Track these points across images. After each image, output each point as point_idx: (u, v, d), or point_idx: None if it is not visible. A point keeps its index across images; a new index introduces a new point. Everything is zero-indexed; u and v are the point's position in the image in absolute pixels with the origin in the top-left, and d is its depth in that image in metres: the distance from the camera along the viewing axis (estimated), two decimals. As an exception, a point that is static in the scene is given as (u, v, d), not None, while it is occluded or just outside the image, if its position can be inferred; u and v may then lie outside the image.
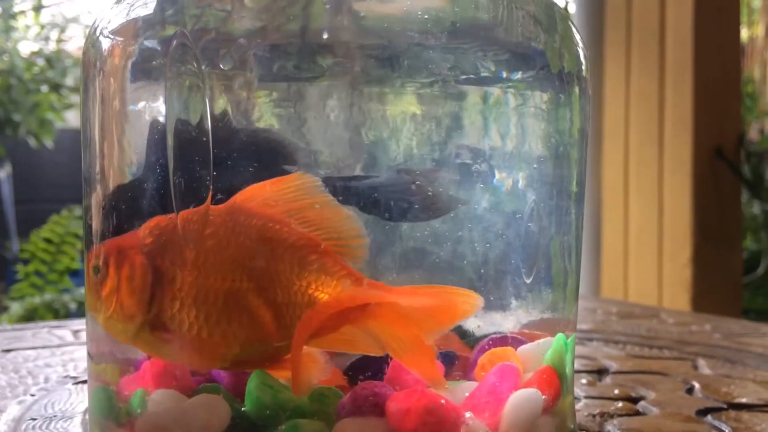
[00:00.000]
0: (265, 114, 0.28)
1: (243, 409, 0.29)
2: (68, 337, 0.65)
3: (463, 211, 0.28)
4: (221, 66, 0.26)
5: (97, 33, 0.31)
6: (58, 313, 2.00)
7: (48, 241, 2.13)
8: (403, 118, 0.27)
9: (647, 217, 1.62)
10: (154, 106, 0.28)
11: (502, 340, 0.33)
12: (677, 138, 1.57)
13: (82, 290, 1.97)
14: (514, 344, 0.32)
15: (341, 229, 0.29)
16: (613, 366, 0.55)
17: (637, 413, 0.43)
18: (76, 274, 2.19)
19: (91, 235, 0.32)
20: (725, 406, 0.45)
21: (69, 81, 2.98)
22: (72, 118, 3.06)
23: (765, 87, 2.82)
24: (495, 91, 0.27)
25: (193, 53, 0.26)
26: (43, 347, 0.61)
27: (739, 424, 0.41)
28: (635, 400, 0.46)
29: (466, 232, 0.28)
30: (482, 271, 0.28)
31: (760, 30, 2.92)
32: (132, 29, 0.29)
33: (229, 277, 0.29)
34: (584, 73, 0.31)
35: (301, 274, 0.29)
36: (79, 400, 0.45)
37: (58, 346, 0.61)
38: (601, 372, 0.53)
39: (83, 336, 0.66)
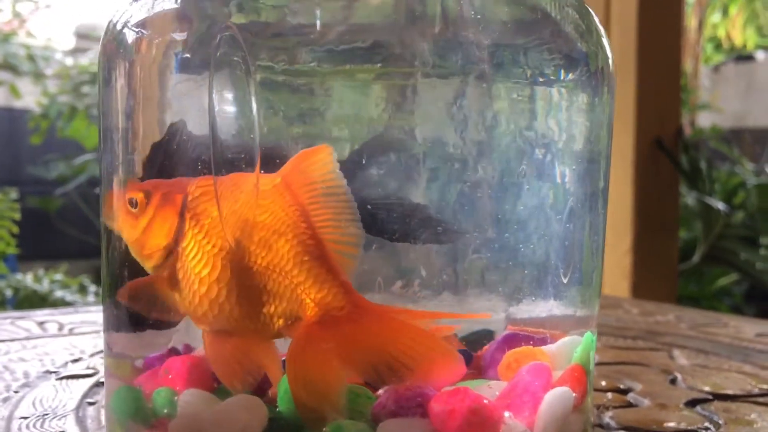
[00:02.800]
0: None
1: (278, 409, 0.29)
2: (34, 329, 0.63)
3: (519, 213, 0.28)
4: (268, 61, 0.26)
5: (120, 26, 0.30)
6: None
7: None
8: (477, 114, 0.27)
9: (591, 206, 1.65)
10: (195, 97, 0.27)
11: (515, 339, 0.33)
12: (620, 128, 1.61)
13: (18, 276, 1.90)
14: (529, 342, 0.33)
15: (342, 230, 0.29)
16: (595, 357, 0.56)
17: (630, 405, 0.45)
18: (7, 259, 2.11)
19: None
20: (711, 397, 0.46)
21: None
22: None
23: (696, 80, 2.91)
24: (552, 91, 0.27)
25: (240, 46, 0.25)
26: (11, 340, 0.59)
27: (729, 414, 0.43)
28: (624, 392, 0.47)
29: (528, 232, 0.28)
30: (526, 272, 0.28)
31: (692, 24, 3.01)
32: (166, 22, 0.28)
33: (229, 251, 0.29)
34: (611, 70, 0.31)
35: (291, 272, 0.29)
36: (68, 396, 0.44)
37: (27, 338, 0.59)
38: (583, 363, 0.54)
39: (51, 328, 0.64)
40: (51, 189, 3.19)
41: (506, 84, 0.26)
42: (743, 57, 3.62)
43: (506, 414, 0.28)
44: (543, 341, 0.33)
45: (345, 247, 0.28)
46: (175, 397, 0.30)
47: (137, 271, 0.31)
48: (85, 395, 0.44)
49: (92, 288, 1.93)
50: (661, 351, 0.58)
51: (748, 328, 0.69)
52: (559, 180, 0.28)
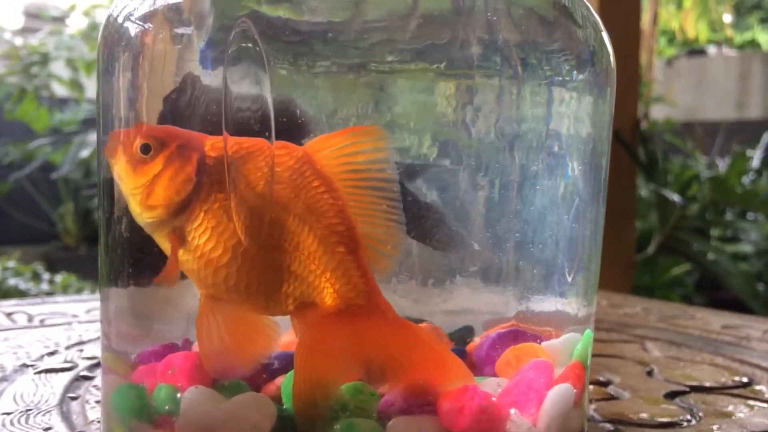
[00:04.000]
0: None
1: (284, 407, 0.28)
2: (2, 320, 0.62)
3: (535, 208, 0.28)
4: (284, 54, 0.25)
5: (121, 19, 0.30)
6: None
7: None
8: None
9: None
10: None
11: (509, 335, 0.33)
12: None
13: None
14: (522, 339, 0.33)
15: (382, 228, 0.28)
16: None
17: (612, 397, 0.45)
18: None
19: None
20: (688, 389, 0.47)
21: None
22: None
23: (651, 73, 2.96)
24: (565, 91, 0.28)
25: (255, 40, 0.25)
26: (-19, 331, 0.57)
27: (708, 406, 0.44)
28: (604, 384, 0.48)
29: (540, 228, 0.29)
30: (535, 270, 0.29)
31: (647, 18, 3.06)
32: (171, 14, 0.28)
33: (257, 224, 0.28)
34: (613, 66, 0.31)
35: (322, 259, 0.28)
36: (49, 391, 0.43)
37: (-3, 330, 0.58)
38: (560, 355, 0.55)
39: (20, 319, 0.62)
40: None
41: (531, 84, 0.27)
42: (695, 51, 3.70)
43: (512, 411, 0.29)
44: (537, 338, 0.33)
45: (382, 246, 0.28)
46: (178, 394, 0.29)
47: (139, 259, 0.30)
48: (67, 390, 0.43)
49: (46, 276, 1.89)
50: (634, 343, 0.59)
51: (713, 319, 0.70)
52: (571, 178, 0.29)
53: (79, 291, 1.85)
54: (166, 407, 0.29)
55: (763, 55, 3.53)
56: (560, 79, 0.27)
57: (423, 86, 0.27)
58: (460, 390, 0.28)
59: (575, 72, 0.28)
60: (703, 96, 3.37)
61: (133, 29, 0.29)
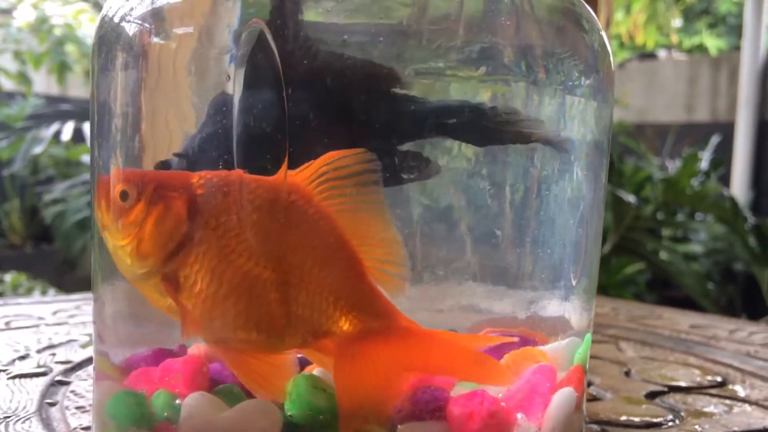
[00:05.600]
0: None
1: (289, 414, 0.28)
2: (-34, 322, 0.60)
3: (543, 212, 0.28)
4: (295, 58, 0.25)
5: (117, 19, 0.29)
6: None
7: None
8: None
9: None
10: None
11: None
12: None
13: None
14: (515, 344, 0.33)
15: (386, 249, 0.28)
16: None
17: (595, 398, 0.46)
18: None
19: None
20: (666, 389, 0.48)
21: None
22: None
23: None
24: (575, 96, 0.28)
25: (267, 43, 0.25)
26: (-55, 335, 0.55)
27: (688, 406, 0.45)
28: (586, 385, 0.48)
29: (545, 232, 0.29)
30: (543, 275, 0.29)
31: (602, 20, 3.11)
32: (176, 14, 0.27)
33: (255, 259, 0.27)
34: (613, 68, 0.32)
35: (332, 287, 0.27)
36: (26, 397, 0.41)
37: (-39, 333, 0.56)
38: (538, 356, 0.55)
39: (-16, 321, 0.60)
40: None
41: (547, 89, 0.27)
42: (646, 55, 3.77)
43: (519, 416, 0.29)
44: (532, 343, 0.33)
45: (388, 266, 0.27)
46: (177, 401, 0.28)
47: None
48: (44, 395, 0.42)
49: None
50: (608, 343, 0.60)
51: (680, 319, 0.72)
52: (577, 183, 0.29)
53: (29, 291, 1.80)
54: (163, 413, 0.28)
55: (710, 60, 3.62)
56: (571, 84, 0.28)
57: (455, 89, 0.27)
58: (469, 395, 0.28)
59: (583, 78, 0.28)
60: (653, 99, 3.44)
61: (131, 29, 0.28)
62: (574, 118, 0.28)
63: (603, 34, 0.31)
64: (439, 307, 0.29)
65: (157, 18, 0.28)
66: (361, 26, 0.25)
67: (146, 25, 0.28)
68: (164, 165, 0.28)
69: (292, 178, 0.26)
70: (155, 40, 0.28)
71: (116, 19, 0.29)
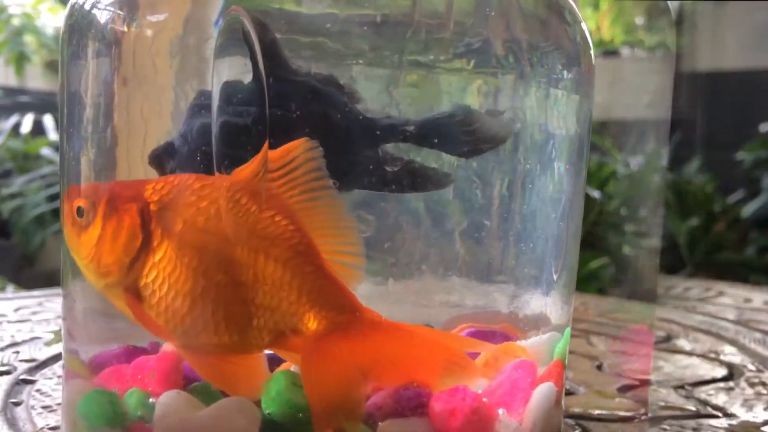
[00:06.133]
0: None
1: (267, 412, 0.27)
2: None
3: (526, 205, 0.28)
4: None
5: (88, 6, 0.28)
6: None
7: None
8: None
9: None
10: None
11: (478, 335, 0.33)
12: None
13: None
14: (492, 339, 0.33)
15: (338, 238, 0.27)
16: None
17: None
18: None
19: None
20: (638, 383, 0.48)
21: None
22: None
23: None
24: (558, 89, 0.27)
25: (247, 31, 0.24)
26: None
27: (660, 401, 0.45)
28: (559, 379, 0.48)
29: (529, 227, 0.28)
30: (526, 270, 0.29)
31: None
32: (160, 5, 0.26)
33: (210, 263, 0.26)
34: (593, 61, 0.31)
35: (292, 284, 0.27)
36: (-10, 396, 0.40)
37: None
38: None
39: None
40: None
41: (532, 82, 0.26)
42: (609, 52, 3.81)
43: (500, 411, 0.28)
44: (507, 338, 0.33)
45: (344, 257, 0.27)
46: (151, 399, 0.28)
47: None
48: (9, 395, 0.41)
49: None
50: (580, 338, 0.60)
51: (649, 313, 0.72)
52: (559, 177, 0.28)
53: (-13, 287, 1.76)
54: (137, 412, 0.27)
55: (672, 58, 3.67)
56: (555, 77, 0.27)
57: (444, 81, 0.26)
58: (450, 391, 0.27)
59: (566, 71, 0.28)
60: (616, 95, 3.47)
61: (103, 16, 0.27)
62: (556, 112, 0.28)
63: (584, 26, 0.30)
64: (422, 302, 0.29)
65: (130, 4, 0.27)
66: (344, 17, 0.25)
67: (119, 12, 0.27)
68: (167, 147, 0.27)
69: (236, 175, 0.26)
70: (129, 27, 0.27)
71: (87, 6, 0.28)
